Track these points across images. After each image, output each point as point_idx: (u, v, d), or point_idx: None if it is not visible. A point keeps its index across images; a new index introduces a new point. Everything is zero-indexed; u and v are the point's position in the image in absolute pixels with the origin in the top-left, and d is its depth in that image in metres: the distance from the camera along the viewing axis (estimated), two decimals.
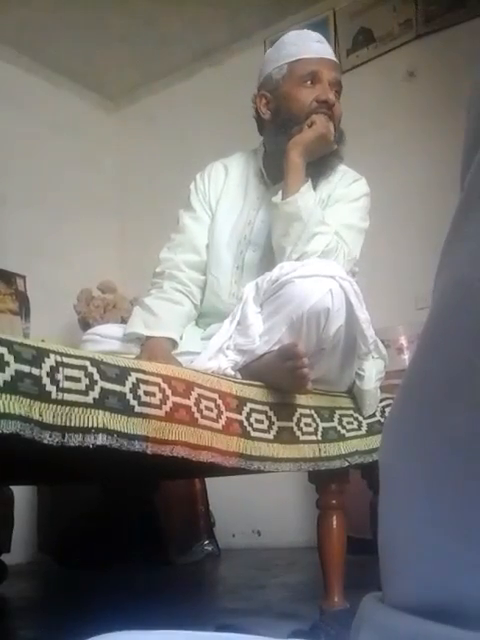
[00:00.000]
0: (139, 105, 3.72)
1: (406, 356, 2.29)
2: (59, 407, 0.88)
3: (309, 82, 1.65)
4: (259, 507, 2.82)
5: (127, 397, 0.99)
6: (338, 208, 1.65)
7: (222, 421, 1.18)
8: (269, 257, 1.63)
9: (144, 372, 1.05)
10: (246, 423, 1.23)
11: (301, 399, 1.38)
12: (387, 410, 1.56)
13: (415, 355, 0.39)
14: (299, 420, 1.36)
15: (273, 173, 1.72)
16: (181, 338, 1.66)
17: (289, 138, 1.61)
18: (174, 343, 1.63)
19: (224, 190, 1.78)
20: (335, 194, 1.67)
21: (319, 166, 1.66)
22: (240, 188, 1.78)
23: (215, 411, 1.17)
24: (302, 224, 1.52)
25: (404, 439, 0.38)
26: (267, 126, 1.74)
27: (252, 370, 1.39)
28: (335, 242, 1.55)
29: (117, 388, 0.98)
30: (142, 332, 1.61)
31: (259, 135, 1.80)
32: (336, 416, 1.46)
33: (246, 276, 1.66)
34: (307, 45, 1.69)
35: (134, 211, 3.59)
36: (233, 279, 1.71)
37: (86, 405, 0.92)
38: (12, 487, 2.33)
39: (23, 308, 3.02)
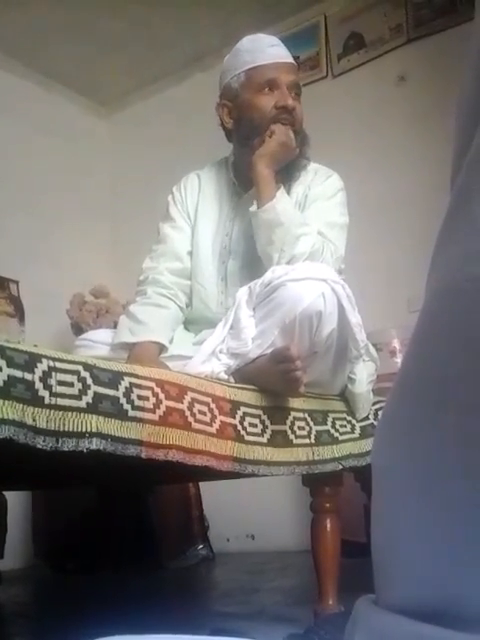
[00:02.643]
0: (131, 110, 3.72)
1: (399, 359, 2.30)
2: (52, 412, 0.88)
3: (267, 89, 1.66)
4: (253, 511, 2.82)
5: (120, 401, 0.99)
6: (317, 207, 1.65)
7: (216, 425, 1.17)
8: (250, 265, 1.65)
9: (137, 376, 1.05)
10: (240, 427, 1.23)
11: (294, 402, 1.38)
12: (380, 413, 1.56)
13: (407, 356, 0.39)
14: (292, 423, 1.36)
15: (243, 182, 1.74)
16: (171, 341, 1.66)
17: (251, 150, 1.63)
18: (162, 347, 1.63)
19: (200, 201, 1.80)
20: (311, 194, 1.68)
21: (287, 170, 1.67)
22: (215, 199, 1.80)
23: (209, 415, 1.17)
24: (284, 229, 1.53)
25: (397, 441, 0.38)
26: (232, 135, 1.76)
27: (245, 374, 1.39)
28: (320, 242, 1.56)
29: (110, 392, 0.98)
30: (129, 340, 1.61)
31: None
32: (329, 419, 1.46)
33: (231, 286, 1.68)
34: (262, 51, 1.68)
35: (126, 215, 3.59)
36: (219, 290, 1.72)
37: (79, 410, 0.92)
38: (6, 492, 2.32)
39: (17, 313, 3.01)
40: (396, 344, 2.34)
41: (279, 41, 1.73)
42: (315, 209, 1.65)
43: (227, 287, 1.71)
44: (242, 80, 1.69)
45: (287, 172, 1.67)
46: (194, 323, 1.77)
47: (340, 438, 1.46)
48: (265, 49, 1.69)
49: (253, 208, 1.58)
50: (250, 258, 1.66)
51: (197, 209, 1.80)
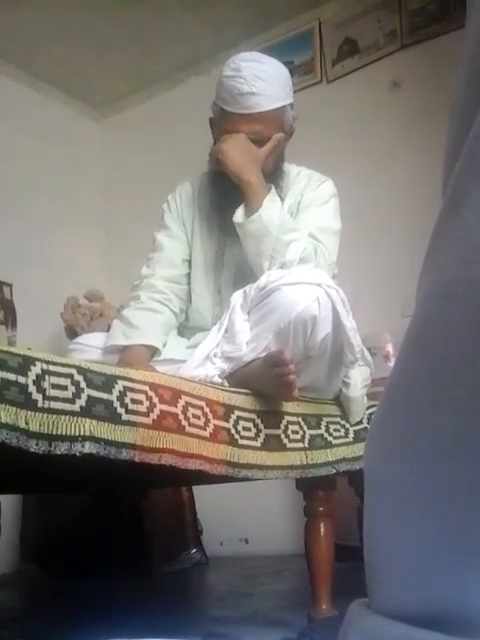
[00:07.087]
0: (126, 114, 3.72)
1: (393, 363, 2.30)
2: (46, 415, 0.88)
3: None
4: (247, 515, 2.81)
5: (114, 405, 0.99)
6: (310, 213, 1.65)
7: (209, 429, 1.17)
8: (244, 277, 1.64)
9: (131, 380, 1.04)
10: (233, 431, 1.23)
11: (288, 406, 1.38)
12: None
13: (399, 359, 0.39)
14: (286, 427, 1.36)
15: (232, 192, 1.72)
16: (164, 345, 1.66)
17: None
18: (155, 351, 1.62)
19: (196, 213, 1.79)
20: (304, 199, 1.68)
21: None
22: (208, 210, 1.78)
23: (202, 419, 1.17)
24: (272, 238, 1.51)
25: (390, 444, 0.38)
26: None
27: (239, 377, 1.39)
28: (312, 247, 1.56)
29: (104, 396, 0.98)
30: (121, 343, 1.61)
31: None
32: (323, 423, 1.46)
33: (225, 298, 1.66)
34: (233, 98, 1.61)
35: (120, 219, 3.59)
36: (214, 302, 1.72)
37: (73, 413, 0.92)
38: None
39: (9, 317, 3.01)
40: (390, 348, 2.35)
41: (258, 82, 1.59)
42: (308, 214, 1.65)
43: (222, 300, 1.70)
44: (217, 112, 1.68)
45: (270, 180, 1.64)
46: (191, 329, 1.77)
47: (334, 442, 1.46)
48: (236, 97, 1.60)
49: (237, 218, 1.56)
50: (243, 270, 1.65)
51: (193, 220, 1.79)
